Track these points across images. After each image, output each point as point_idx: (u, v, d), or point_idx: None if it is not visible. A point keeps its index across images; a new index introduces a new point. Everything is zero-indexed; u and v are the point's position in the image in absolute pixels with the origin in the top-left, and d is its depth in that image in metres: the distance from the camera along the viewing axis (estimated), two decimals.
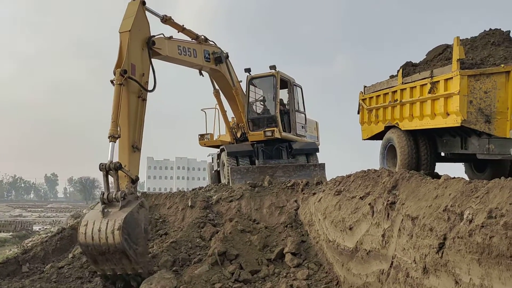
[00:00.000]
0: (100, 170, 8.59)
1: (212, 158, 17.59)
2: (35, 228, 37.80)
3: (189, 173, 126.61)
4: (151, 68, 10.20)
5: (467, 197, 5.20)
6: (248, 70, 15.16)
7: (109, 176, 8.74)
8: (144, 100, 9.96)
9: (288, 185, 11.85)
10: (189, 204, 11.51)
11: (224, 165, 14.94)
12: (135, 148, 9.55)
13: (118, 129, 8.93)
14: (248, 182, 12.41)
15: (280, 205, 11.22)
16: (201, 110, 16.49)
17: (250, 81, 15.09)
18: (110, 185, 8.81)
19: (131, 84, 9.51)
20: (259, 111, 15.48)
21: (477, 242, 4.49)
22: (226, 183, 14.12)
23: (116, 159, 9.04)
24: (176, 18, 12.03)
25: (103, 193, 8.56)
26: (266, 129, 14.50)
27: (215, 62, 13.35)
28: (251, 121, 14.99)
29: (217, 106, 15.56)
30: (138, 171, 9.66)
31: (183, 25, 12.30)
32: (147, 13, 10.41)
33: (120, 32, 9.72)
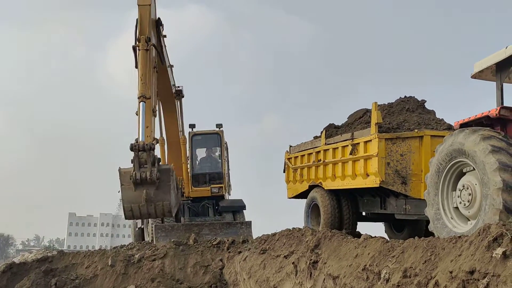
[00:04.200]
0: (132, 151, 8.63)
1: None
2: None
3: (114, 230, 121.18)
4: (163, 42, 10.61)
5: (385, 257, 5.35)
6: (193, 126, 15.27)
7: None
8: (157, 73, 10.35)
9: (213, 243, 11.66)
10: (109, 263, 10.96)
11: (148, 222, 14.51)
12: (154, 112, 9.72)
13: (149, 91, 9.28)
14: (172, 240, 12.09)
15: (205, 264, 10.98)
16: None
17: (193, 136, 15.13)
18: None
19: (151, 54, 9.89)
20: (203, 167, 15.43)
21: None
22: (150, 241, 13.66)
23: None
24: None
25: (135, 174, 8.54)
26: (213, 186, 14.50)
27: (176, 93, 13.48)
28: (195, 177, 14.89)
29: None
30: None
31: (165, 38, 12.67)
32: None
33: (139, 5, 10.04)
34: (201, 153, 15.66)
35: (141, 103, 9.08)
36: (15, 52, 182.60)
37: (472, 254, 4.03)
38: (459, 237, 4.68)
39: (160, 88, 13.12)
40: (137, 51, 9.69)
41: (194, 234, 12.51)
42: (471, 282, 3.86)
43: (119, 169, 8.92)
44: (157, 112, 10.75)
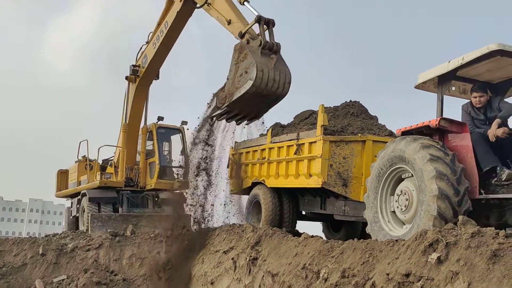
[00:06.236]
0: (257, 22, 9.25)
1: (72, 202, 16.48)
2: None
3: (44, 217, 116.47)
4: None
5: (324, 256, 5.48)
6: (161, 118, 15.09)
7: None
8: None
9: (151, 235, 11.49)
10: (40, 252, 10.55)
11: (84, 211, 14.08)
12: None
13: None
14: (109, 230, 11.81)
15: (141, 256, 10.82)
16: (105, 145, 15.48)
17: (158, 129, 14.88)
18: None
19: None
20: (170, 161, 15.33)
21: None
22: (85, 231, 13.27)
23: None
24: None
25: (263, 41, 9.07)
26: (178, 180, 14.30)
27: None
28: (163, 169, 14.60)
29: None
30: None
31: None
32: None
33: None
34: (166, 146, 15.60)
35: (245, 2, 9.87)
36: None
37: (408, 258, 4.20)
38: (397, 240, 4.86)
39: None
40: None
41: (132, 226, 12.28)
42: (406, 285, 4.03)
43: (238, 44, 9.44)
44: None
